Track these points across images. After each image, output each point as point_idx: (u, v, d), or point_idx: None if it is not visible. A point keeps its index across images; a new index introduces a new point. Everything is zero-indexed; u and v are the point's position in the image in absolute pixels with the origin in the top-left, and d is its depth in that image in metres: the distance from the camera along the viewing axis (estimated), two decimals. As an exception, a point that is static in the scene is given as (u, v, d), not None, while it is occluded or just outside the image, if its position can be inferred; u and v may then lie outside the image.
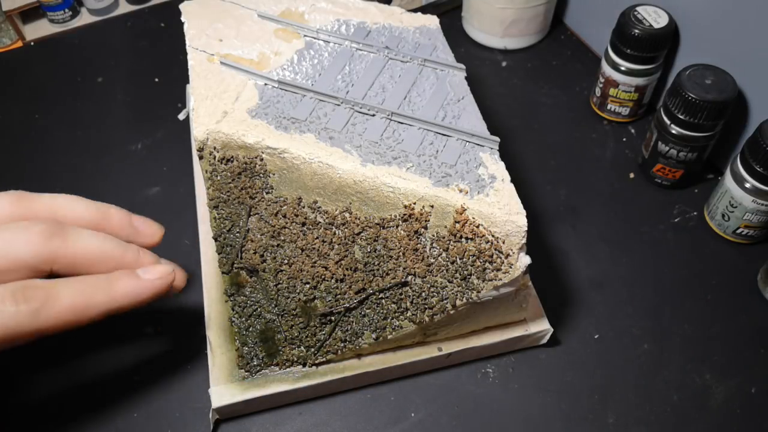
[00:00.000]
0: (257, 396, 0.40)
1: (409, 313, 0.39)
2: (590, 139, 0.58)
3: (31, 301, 0.30)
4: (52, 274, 0.32)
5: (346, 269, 0.39)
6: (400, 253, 0.38)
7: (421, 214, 0.38)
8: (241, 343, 0.41)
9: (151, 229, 0.38)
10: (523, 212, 0.37)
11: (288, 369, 0.41)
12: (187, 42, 0.47)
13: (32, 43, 0.68)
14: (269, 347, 0.41)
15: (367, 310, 0.40)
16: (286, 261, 0.40)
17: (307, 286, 0.40)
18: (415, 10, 0.52)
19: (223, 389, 0.40)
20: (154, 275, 0.34)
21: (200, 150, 0.42)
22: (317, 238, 0.40)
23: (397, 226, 0.38)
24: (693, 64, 0.49)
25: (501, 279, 0.37)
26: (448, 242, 0.37)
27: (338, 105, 0.42)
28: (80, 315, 0.31)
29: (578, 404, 0.43)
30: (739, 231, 0.49)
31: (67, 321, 0.31)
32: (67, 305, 0.31)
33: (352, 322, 0.40)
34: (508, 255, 0.37)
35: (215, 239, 0.42)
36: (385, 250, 0.39)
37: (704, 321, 0.46)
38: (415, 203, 0.38)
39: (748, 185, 0.46)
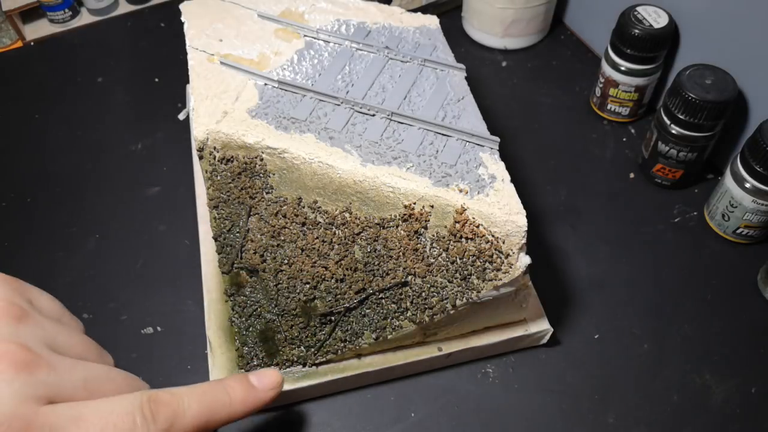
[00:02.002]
0: (257, 396, 0.40)
1: (409, 313, 0.39)
2: (590, 139, 0.58)
3: (160, 420, 0.27)
4: None
5: (346, 269, 0.39)
6: (400, 253, 0.38)
7: (421, 214, 0.38)
8: (241, 343, 0.41)
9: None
10: (523, 212, 0.37)
11: (288, 369, 0.41)
12: (187, 42, 0.47)
13: (32, 43, 0.68)
14: (269, 347, 0.41)
15: (367, 310, 0.40)
16: (286, 261, 0.40)
17: (307, 286, 0.40)
18: (415, 10, 0.52)
19: (223, 389, 0.40)
20: (268, 385, 0.33)
21: (200, 150, 0.42)
22: (317, 238, 0.40)
23: (397, 226, 0.38)
24: (693, 64, 0.49)
25: (501, 279, 0.37)
26: (448, 242, 0.37)
27: (338, 105, 0.42)
28: (202, 430, 0.29)
29: (578, 404, 0.43)
30: (739, 231, 0.49)
31: None
32: (193, 423, 0.29)
33: (352, 322, 0.40)
34: (508, 255, 0.37)
35: (215, 239, 0.42)
36: (385, 250, 0.39)
37: (704, 321, 0.46)
38: (415, 203, 0.38)
39: (748, 185, 0.46)
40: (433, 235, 0.38)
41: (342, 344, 0.40)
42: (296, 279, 0.40)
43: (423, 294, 0.38)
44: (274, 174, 0.41)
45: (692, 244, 0.51)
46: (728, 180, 0.48)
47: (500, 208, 0.37)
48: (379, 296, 0.39)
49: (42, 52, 0.68)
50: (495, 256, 0.37)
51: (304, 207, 0.41)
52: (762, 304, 0.47)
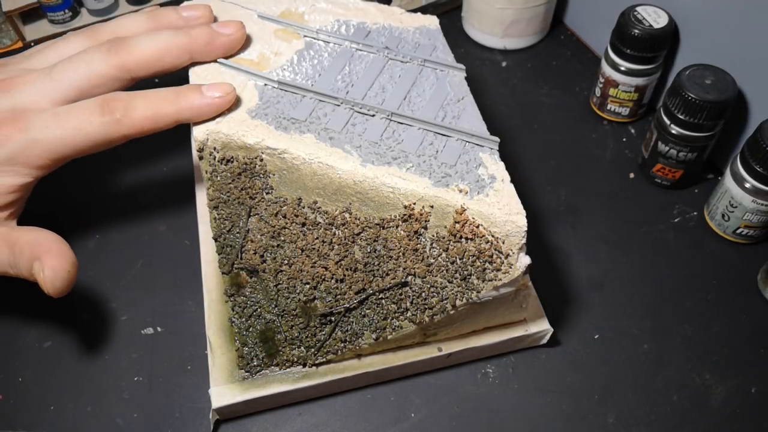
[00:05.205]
0: (257, 396, 0.40)
1: (409, 314, 0.39)
2: (590, 139, 0.58)
3: (114, 112, 0.38)
4: (133, 81, 0.42)
5: (346, 269, 0.39)
6: (400, 254, 0.38)
7: (421, 215, 0.38)
8: (241, 343, 0.41)
9: (199, 12, 0.45)
10: (523, 212, 0.37)
11: (288, 369, 0.41)
12: (187, 42, 0.47)
13: (32, 44, 0.68)
14: (269, 347, 0.41)
15: (367, 311, 0.40)
16: (286, 261, 0.40)
17: (307, 286, 0.40)
18: (415, 10, 0.52)
19: (223, 389, 0.40)
20: (217, 92, 0.40)
21: (200, 150, 0.42)
22: (317, 238, 0.40)
23: (397, 227, 0.38)
24: (693, 64, 0.49)
25: (501, 279, 0.37)
26: (448, 242, 0.38)
27: (338, 105, 0.43)
28: (153, 123, 0.40)
29: (578, 404, 0.43)
30: (739, 231, 0.49)
31: (143, 128, 0.39)
32: (142, 115, 0.39)
33: (352, 322, 0.40)
34: (508, 255, 0.37)
35: (215, 239, 0.42)
36: (385, 251, 0.39)
37: (704, 321, 0.47)
38: (415, 203, 0.38)
39: (748, 185, 0.46)
40: (433, 236, 0.38)
41: (342, 344, 0.40)
42: (296, 279, 0.40)
43: (423, 294, 0.38)
44: (274, 174, 0.41)
45: (692, 244, 0.51)
46: (728, 180, 0.48)
47: (500, 209, 0.37)
48: (379, 296, 0.39)
49: (42, 52, 0.68)
50: (495, 257, 0.37)
51: (304, 207, 0.41)
52: (762, 304, 0.47)
